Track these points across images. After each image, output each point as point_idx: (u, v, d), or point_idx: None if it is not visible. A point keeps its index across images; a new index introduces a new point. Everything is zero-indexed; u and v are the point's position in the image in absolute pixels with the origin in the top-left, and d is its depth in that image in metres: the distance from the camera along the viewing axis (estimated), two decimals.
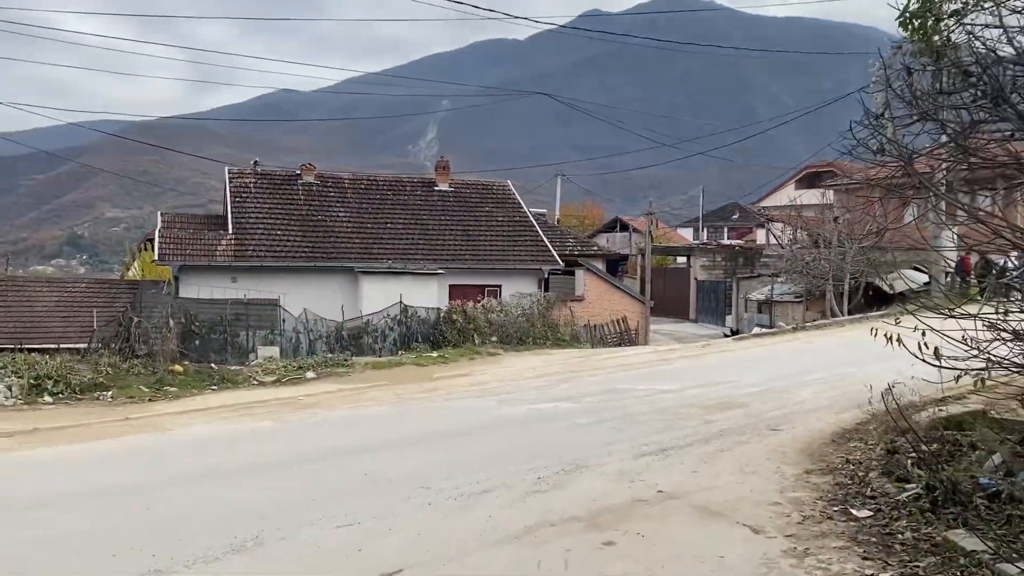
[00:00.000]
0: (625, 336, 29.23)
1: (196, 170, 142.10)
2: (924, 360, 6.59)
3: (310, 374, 16.36)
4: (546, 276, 29.03)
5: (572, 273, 30.64)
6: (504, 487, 7.43)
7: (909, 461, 7.79)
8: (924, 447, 7.68)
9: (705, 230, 76.70)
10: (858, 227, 28.26)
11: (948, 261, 31.23)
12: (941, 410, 11.24)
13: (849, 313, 27.31)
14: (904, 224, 35.15)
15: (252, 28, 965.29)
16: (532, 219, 31.30)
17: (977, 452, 7.77)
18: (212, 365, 17.04)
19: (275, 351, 20.07)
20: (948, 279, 30.85)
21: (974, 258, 34.07)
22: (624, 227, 65.41)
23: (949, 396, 12.81)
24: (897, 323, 6.90)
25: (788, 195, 42.61)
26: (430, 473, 7.96)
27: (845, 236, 27.48)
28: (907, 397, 9.82)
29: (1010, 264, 32.28)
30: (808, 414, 11.26)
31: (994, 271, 34.54)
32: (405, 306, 23.34)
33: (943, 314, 6.88)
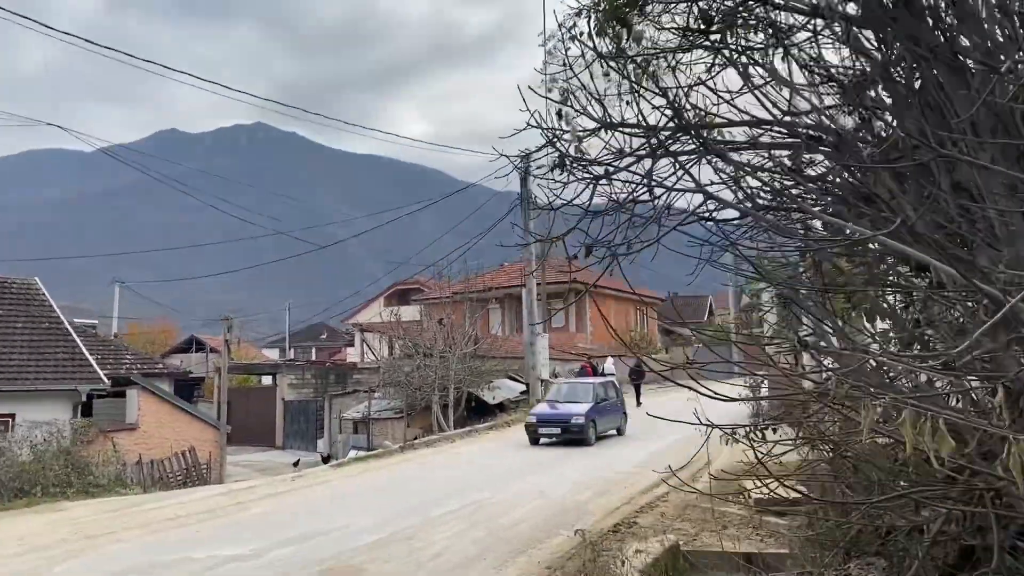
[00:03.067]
0: (194, 472, 23.20)
1: None
2: None
3: None
4: (85, 399, 22.05)
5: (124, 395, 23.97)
6: None
7: None
8: None
9: (293, 350, 72.24)
10: (459, 333, 26.38)
11: (543, 368, 31.14)
12: (640, 551, 8.33)
13: (455, 426, 24.84)
14: (494, 336, 34.54)
15: None
16: (68, 326, 24.14)
17: None
18: None
19: None
20: (543, 387, 30.60)
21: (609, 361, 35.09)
22: (201, 346, 58.21)
23: (620, 524, 10.14)
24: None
25: (378, 311, 40.58)
26: None
27: (449, 341, 25.30)
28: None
29: (606, 368, 30.67)
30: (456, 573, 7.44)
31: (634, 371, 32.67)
32: None
33: None
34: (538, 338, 29.02)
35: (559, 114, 5.85)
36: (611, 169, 6.01)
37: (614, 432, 21.11)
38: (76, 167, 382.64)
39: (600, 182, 6.27)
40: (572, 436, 19.03)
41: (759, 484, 10.36)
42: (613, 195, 6.43)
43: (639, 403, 31.43)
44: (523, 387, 29.44)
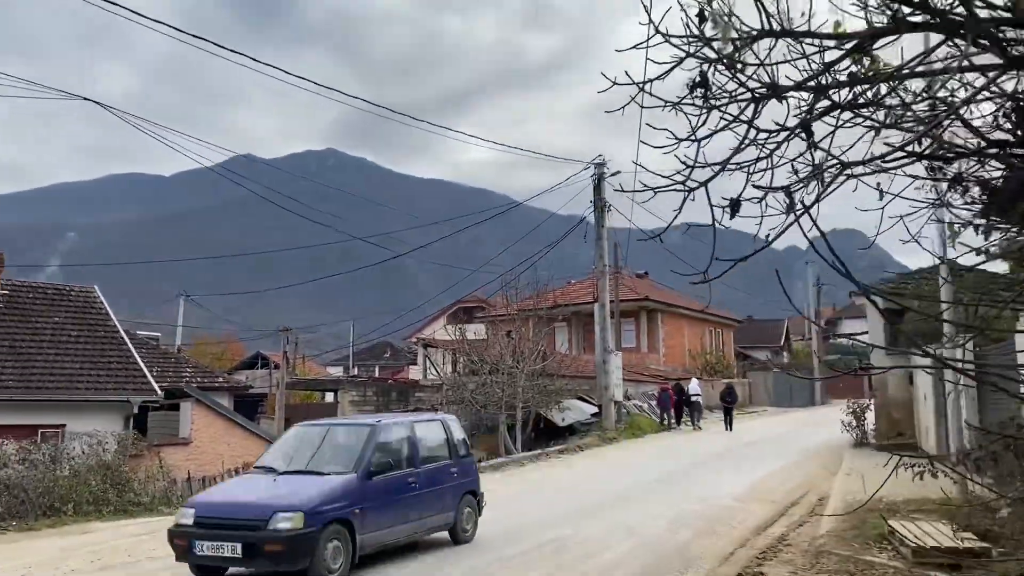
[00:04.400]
0: None
1: None
2: None
3: None
4: (136, 411, 20.99)
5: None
6: None
7: None
8: None
9: (356, 368, 71.58)
10: (527, 347, 24.64)
11: (617, 390, 29.14)
12: None
13: (523, 448, 23.05)
14: (562, 354, 32.68)
15: None
16: (124, 336, 23.24)
17: None
18: None
19: None
20: (616, 408, 28.60)
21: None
22: (266, 363, 57.72)
23: None
24: None
25: (441, 329, 39.17)
26: None
27: (518, 355, 23.59)
28: None
29: (691, 389, 28.01)
30: None
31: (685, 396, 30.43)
32: None
33: None
34: (611, 356, 27.08)
35: (701, 15, 4.09)
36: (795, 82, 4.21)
37: (440, 537, 10.09)
38: (154, 190, 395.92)
39: (761, 109, 4.50)
40: (272, 564, 8.22)
41: (915, 531, 8.30)
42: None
43: (730, 427, 29.36)
44: (594, 408, 27.52)
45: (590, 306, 32.60)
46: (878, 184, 4.76)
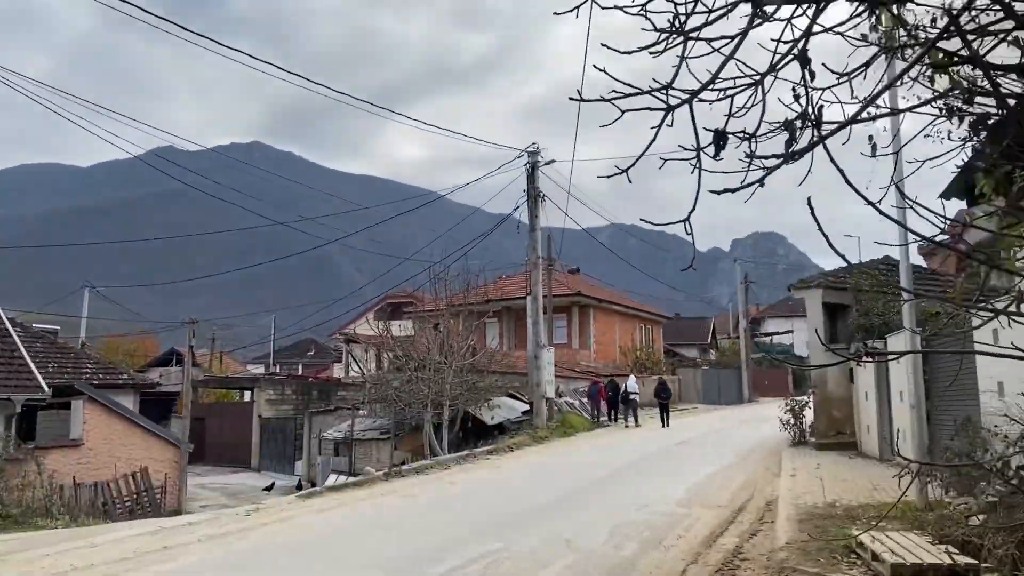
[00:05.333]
0: (145, 496, 20.03)
1: None
2: None
3: None
4: (20, 410, 18.90)
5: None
6: None
7: None
8: None
9: (278, 367, 69.01)
10: (455, 341, 23.33)
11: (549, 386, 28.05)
12: None
13: (450, 449, 21.71)
14: (492, 349, 31.48)
15: None
16: (8, 326, 21.05)
17: None
18: None
19: None
20: (548, 406, 27.52)
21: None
22: (181, 360, 54.96)
23: None
24: None
25: (368, 326, 37.39)
26: None
27: (446, 350, 22.26)
28: None
29: (629, 386, 26.60)
30: None
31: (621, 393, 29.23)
32: None
33: None
34: (543, 351, 25.96)
35: None
36: None
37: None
38: (71, 181, 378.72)
39: None
40: None
41: (890, 544, 7.30)
42: None
43: (667, 424, 28.69)
44: (525, 406, 26.36)
45: (522, 301, 31.48)
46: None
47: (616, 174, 3.54)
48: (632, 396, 29.62)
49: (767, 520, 10.42)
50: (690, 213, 3.37)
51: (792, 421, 20.52)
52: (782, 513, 10.52)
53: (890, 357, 14.28)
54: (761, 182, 3.53)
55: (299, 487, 25.95)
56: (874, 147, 4.40)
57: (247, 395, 41.77)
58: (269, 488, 26.31)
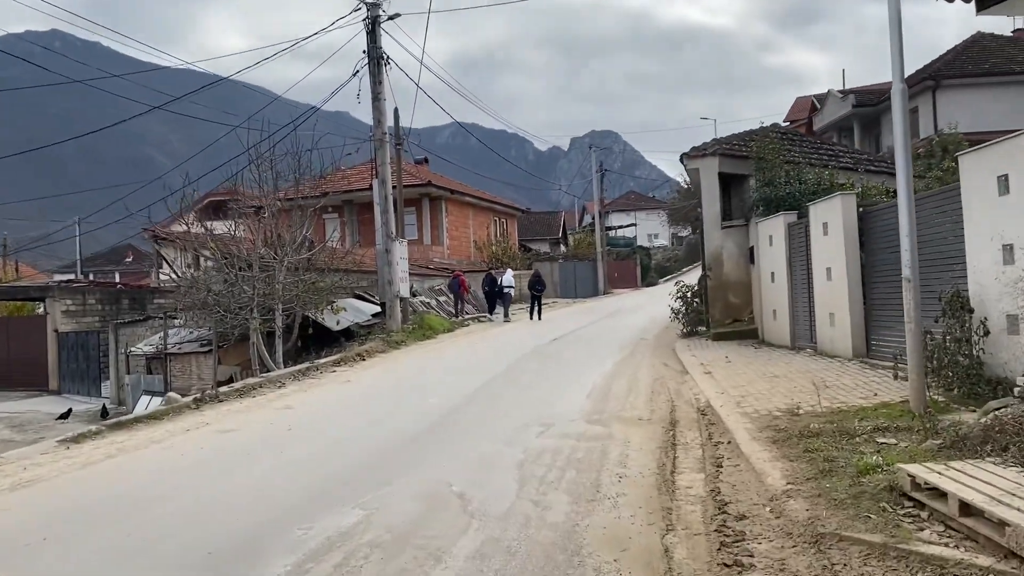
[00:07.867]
0: None
1: None
2: None
3: None
4: None
5: None
6: None
7: None
8: None
9: (91, 275, 61.29)
10: (289, 234, 19.41)
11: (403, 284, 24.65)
12: None
13: (287, 362, 18.07)
14: (333, 246, 27.52)
15: None
16: None
17: None
18: None
19: None
20: (402, 306, 24.25)
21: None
22: None
23: None
24: None
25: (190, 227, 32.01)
26: None
27: (275, 244, 18.33)
28: None
29: (504, 280, 22.08)
30: None
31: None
32: None
33: None
34: (395, 244, 22.40)
35: None
36: None
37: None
38: None
39: None
40: None
41: (966, 480, 4.67)
42: None
43: (539, 317, 26.83)
44: (376, 308, 22.95)
45: (366, 193, 27.41)
46: None
47: None
48: (507, 290, 28.21)
49: (720, 440, 7.74)
50: None
51: (685, 309, 18.31)
52: (736, 428, 7.89)
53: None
54: None
55: (104, 413, 21.62)
56: None
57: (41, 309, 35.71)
58: (65, 416, 21.80)
